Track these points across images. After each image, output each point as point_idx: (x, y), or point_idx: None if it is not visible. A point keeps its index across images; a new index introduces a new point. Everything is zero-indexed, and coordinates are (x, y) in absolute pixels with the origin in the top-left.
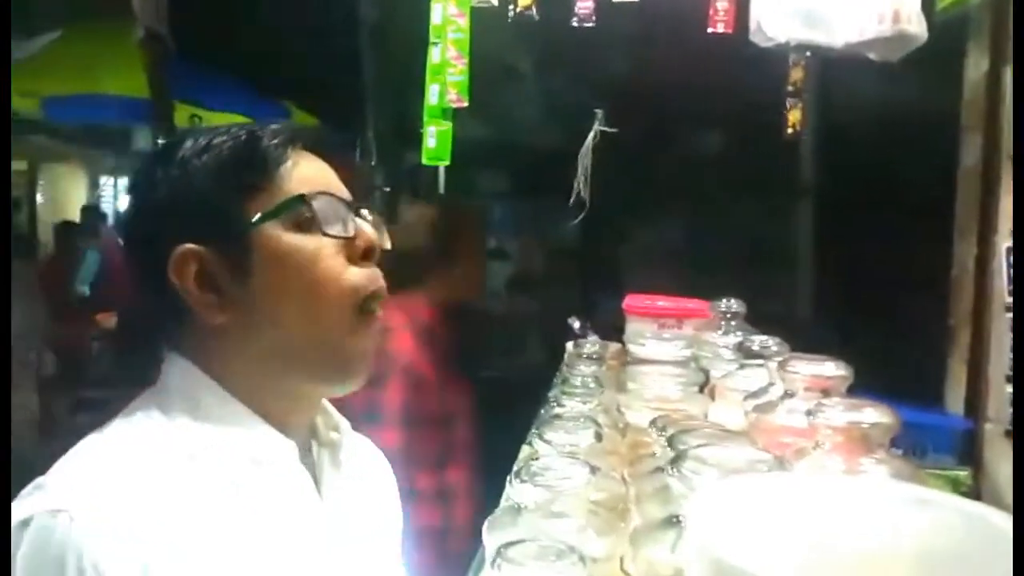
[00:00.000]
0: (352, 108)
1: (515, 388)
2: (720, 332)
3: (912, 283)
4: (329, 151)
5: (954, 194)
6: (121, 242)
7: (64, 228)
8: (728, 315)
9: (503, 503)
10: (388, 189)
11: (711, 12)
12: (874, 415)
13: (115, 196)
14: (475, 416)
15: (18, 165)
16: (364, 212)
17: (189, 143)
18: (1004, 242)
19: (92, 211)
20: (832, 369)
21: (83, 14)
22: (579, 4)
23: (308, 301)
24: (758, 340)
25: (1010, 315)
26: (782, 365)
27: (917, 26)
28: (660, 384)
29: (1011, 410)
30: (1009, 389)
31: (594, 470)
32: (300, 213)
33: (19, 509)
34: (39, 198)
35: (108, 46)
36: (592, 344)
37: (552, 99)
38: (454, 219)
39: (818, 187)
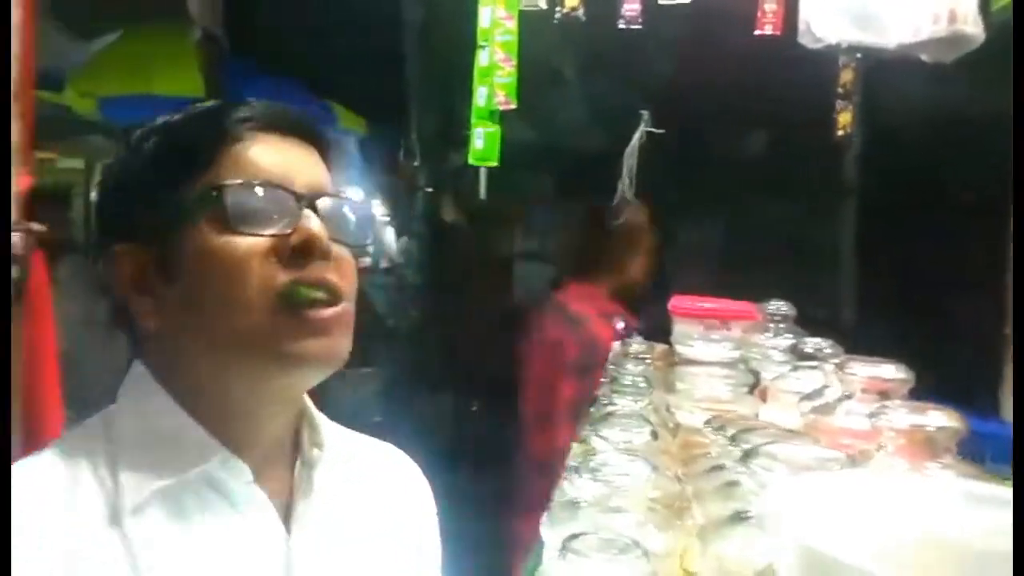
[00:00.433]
0: (398, 109)
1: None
2: (770, 334)
3: (963, 287)
4: (296, 132)
5: (1007, 197)
6: None
7: None
8: (777, 317)
9: (557, 498)
10: (430, 190)
11: (759, 14)
12: (940, 418)
13: None
14: None
15: (75, 164)
16: (324, 203)
17: (143, 126)
18: None
19: None
20: (892, 372)
21: (141, 16)
22: (626, 6)
23: (224, 304)
24: (811, 342)
25: None
26: (840, 367)
27: (974, 26)
28: (710, 385)
29: None
30: None
31: (654, 467)
32: (223, 207)
33: None
34: (93, 195)
35: (163, 47)
36: (638, 344)
37: (597, 101)
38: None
39: (865, 188)
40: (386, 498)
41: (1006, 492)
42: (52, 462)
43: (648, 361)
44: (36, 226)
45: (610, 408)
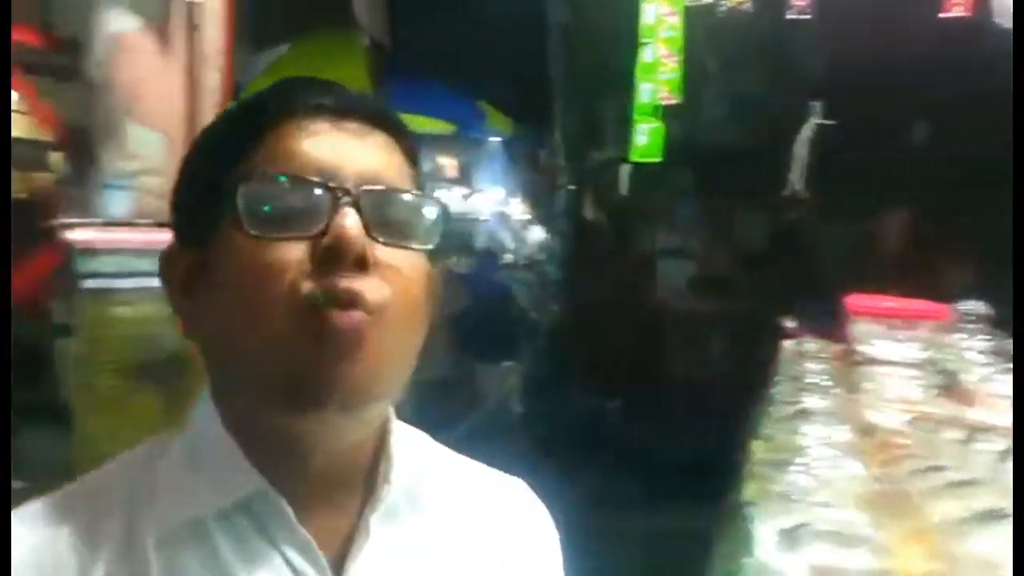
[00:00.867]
0: (543, 109)
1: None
2: (964, 335)
3: None
4: (357, 117)
5: None
6: None
7: None
8: (972, 317)
9: (752, 495)
10: (572, 188)
11: None
12: None
13: None
14: None
15: None
16: (374, 198)
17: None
18: None
19: None
20: None
21: (309, 27)
22: None
23: (243, 314)
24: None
25: None
26: None
27: None
28: (899, 385)
29: None
30: None
31: (865, 465)
32: (238, 205)
33: None
34: None
35: (332, 55)
36: (813, 343)
37: (758, 94)
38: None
39: None
40: (479, 550)
41: None
42: (82, 494)
43: (825, 360)
44: None
45: (799, 406)
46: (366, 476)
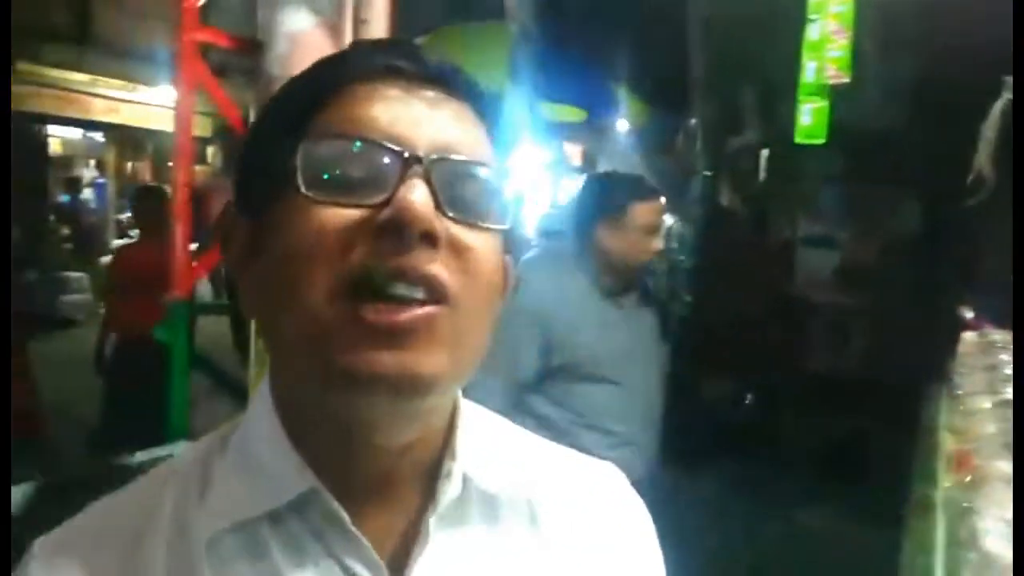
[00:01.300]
0: (679, 95)
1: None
2: None
3: None
4: (434, 84)
5: None
6: None
7: None
8: None
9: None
10: (709, 174)
11: None
12: None
13: None
14: None
15: None
16: (448, 168)
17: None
18: None
19: None
20: None
21: (462, 17)
22: None
23: (286, 292)
24: None
25: None
26: None
27: None
28: None
29: None
30: None
31: None
32: (296, 167)
33: None
34: None
35: (468, 46)
36: (996, 332)
37: (936, 72)
38: None
39: None
40: (564, 556)
41: None
42: (132, 494)
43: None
44: None
45: (1001, 396)
46: (430, 473)
